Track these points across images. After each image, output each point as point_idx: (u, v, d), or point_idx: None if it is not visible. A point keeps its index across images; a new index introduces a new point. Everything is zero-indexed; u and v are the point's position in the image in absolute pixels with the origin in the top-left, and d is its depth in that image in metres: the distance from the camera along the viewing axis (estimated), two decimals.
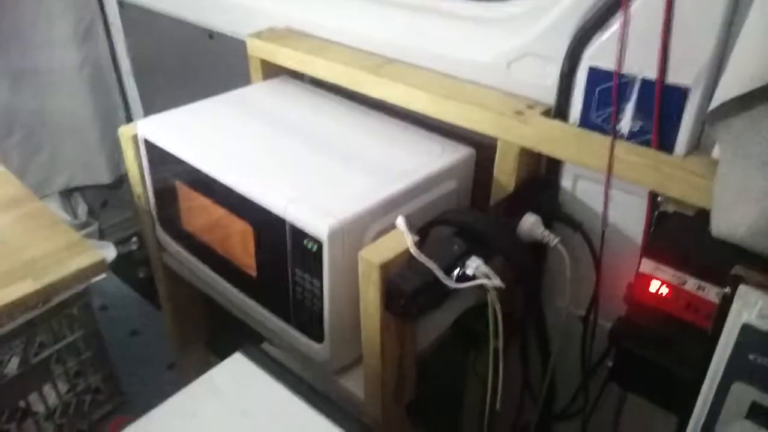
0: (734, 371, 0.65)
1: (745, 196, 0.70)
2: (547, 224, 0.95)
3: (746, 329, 0.63)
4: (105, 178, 2.15)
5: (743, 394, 0.65)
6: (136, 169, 1.17)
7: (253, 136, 1.07)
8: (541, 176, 0.99)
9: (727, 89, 0.68)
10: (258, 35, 1.27)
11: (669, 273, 0.76)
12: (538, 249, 0.99)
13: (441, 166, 0.98)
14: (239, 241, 1.01)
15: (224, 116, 1.14)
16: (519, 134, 0.92)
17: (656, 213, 0.87)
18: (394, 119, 1.13)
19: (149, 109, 1.98)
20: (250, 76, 1.33)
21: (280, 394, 0.85)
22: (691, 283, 0.74)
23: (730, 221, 0.72)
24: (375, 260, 0.79)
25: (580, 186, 0.95)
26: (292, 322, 0.97)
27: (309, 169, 0.97)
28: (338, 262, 0.85)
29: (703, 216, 0.77)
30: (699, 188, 0.77)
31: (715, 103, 0.70)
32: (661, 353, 0.78)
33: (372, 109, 1.17)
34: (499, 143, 0.95)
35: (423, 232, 0.91)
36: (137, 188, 1.21)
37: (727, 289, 0.67)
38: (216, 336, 1.50)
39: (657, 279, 0.77)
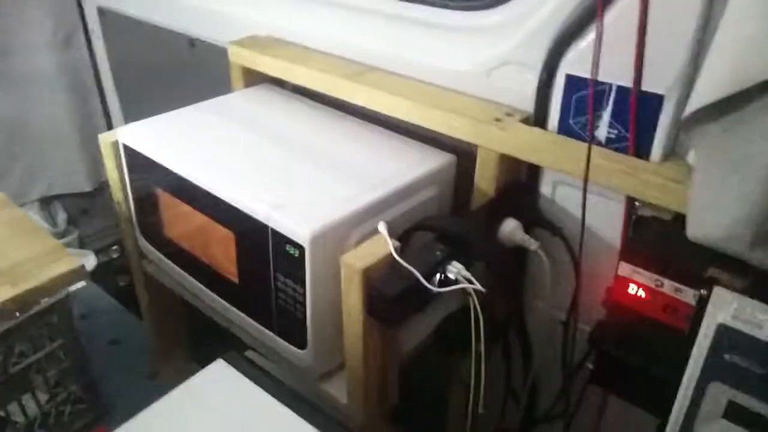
0: (711, 371, 0.66)
1: (721, 200, 0.72)
2: (528, 229, 0.96)
3: (721, 329, 0.64)
4: (85, 185, 2.13)
5: (720, 393, 0.66)
6: (116, 176, 1.17)
7: (235, 143, 1.07)
8: (521, 182, 1.01)
9: (702, 96, 0.70)
10: (240, 43, 1.28)
11: (646, 276, 0.77)
12: (519, 254, 1.01)
13: (422, 173, 0.98)
14: (221, 248, 1.00)
15: (206, 123, 1.14)
16: (498, 141, 0.93)
17: (634, 217, 0.88)
18: (375, 126, 1.14)
19: (129, 116, 1.97)
20: (231, 84, 1.33)
21: (263, 401, 0.85)
22: (668, 286, 0.76)
23: (705, 225, 0.74)
24: (357, 265, 0.79)
25: (559, 191, 0.97)
26: (275, 328, 0.97)
27: (291, 175, 0.98)
28: (320, 268, 0.85)
29: (679, 220, 0.78)
30: (675, 193, 0.79)
31: (689, 110, 0.72)
32: (640, 355, 0.80)
33: (354, 116, 1.17)
34: (479, 150, 0.96)
35: (405, 237, 0.91)
36: (118, 196, 1.20)
37: (703, 291, 0.68)
38: (198, 344, 1.49)
39: (635, 282, 0.78)
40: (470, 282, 0.83)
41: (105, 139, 1.14)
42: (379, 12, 1.13)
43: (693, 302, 0.74)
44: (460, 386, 1.15)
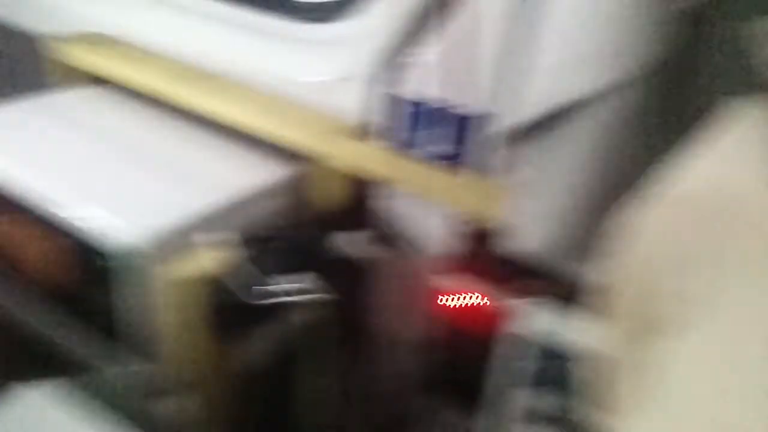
0: (511, 377, 0.72)
1: (539, 215, 0.79)
2: (369, 242, 0.99)
3: (520, 338, 0.70)
4: None
5: (519, 398, 0.72)
6: None
7: (61, 146, 1.00)
8: (363, 195, 1.03)
9: (523, 115, 0.76)
10: (71, 38, 1.19)
11: (469, 287, 0.82)
12: (361, 266, 1.03)
13: (266, 182, 0.98)
14: (47, 260, 0.93)
15: (27, 123, 1.05)
16: (339, 154, 0.94)
17: (465, 230, 0.94)
18: (220, 133, 1.11)
19: None
20: (54, 80, 1.23)
21: (95, 426, 0.78)
22: (489, 296, 0.81)
23: (523, 238, 0.81)
24: (193, 276, 0.77)
25: (399, 205, 1.00)
26: (108, 345, 0.91)
27: (126, 181, 0.93)
28: (155, 279, 0.81)
29: (504, 233, 0.84)
30: (501, 207, 0.84)
31: (514, 129, 0.78)
32: (462, 363, 0.85)
33: (198, 122, 1.14)
34: (320, 163, 0.98)
35: (245, 248, 0.90)
36: None
37: (514, 301, 0.74)
38: (25, 368, 1.36)
39: (459, 292, 0.83)
40: (308, 294, 0.84)
41: None
42: (223, 18, 1.11)
43: (507, 312, 0.80)
44: (306, 397, 1.15)
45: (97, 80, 1.22)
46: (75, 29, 1.23)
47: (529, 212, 0.80)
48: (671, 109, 0.75)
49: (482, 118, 0.85)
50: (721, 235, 0.37)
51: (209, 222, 0.88)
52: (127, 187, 0.91)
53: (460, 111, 0.86)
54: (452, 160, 0.89)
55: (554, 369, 0.69)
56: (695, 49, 0.71)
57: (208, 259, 0.82)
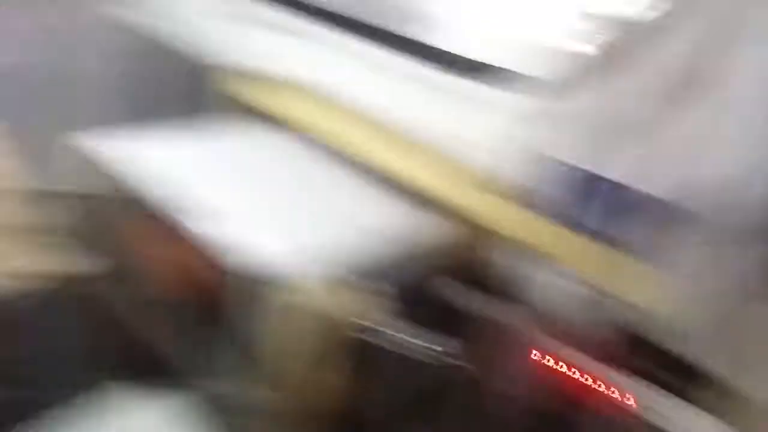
0: None
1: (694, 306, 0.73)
2: (489, 297, 0.94)
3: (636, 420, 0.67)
4: None
5: None
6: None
7: (228, 174, 1.08)
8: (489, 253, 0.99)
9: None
10: (248, 74, 1.26)
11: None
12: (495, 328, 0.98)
13: (403, 229, 0.99)
14: (176, 269, 0.98)
15: (193, 149, 1.13)
16: (500, 218, 0.94)
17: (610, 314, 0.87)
18: (368, 177, 1.14)
19: None
20: (215, 108, 1.30)
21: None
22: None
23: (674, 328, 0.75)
24: (322, 309, 0.79)
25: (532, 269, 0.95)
26: (215, 359, 0.94)
27: (277, 212, 0.99)
28: (288, 306, 0.82)
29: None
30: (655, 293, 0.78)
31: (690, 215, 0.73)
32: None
33: (356, 166, 1.17)
34: (467, 218, 0.97)
35: (388, 293, 0.89)
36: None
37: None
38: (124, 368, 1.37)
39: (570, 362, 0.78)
40: (442, 353, 0.82)
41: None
42: (412, 76, 1.13)
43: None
44: None
45: (254, 114, 1.27)
46: (251, 66, 1.28)
47: (684, 302, 0.75)
48: None
49: (663, 205, 0.78)
50: None
51: (342, 258, 0.89)
52: (275, 218, 0.97)
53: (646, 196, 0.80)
54: (607, 236, 0.85)
55: None
56: None
57: (335, 294, 0.82)
